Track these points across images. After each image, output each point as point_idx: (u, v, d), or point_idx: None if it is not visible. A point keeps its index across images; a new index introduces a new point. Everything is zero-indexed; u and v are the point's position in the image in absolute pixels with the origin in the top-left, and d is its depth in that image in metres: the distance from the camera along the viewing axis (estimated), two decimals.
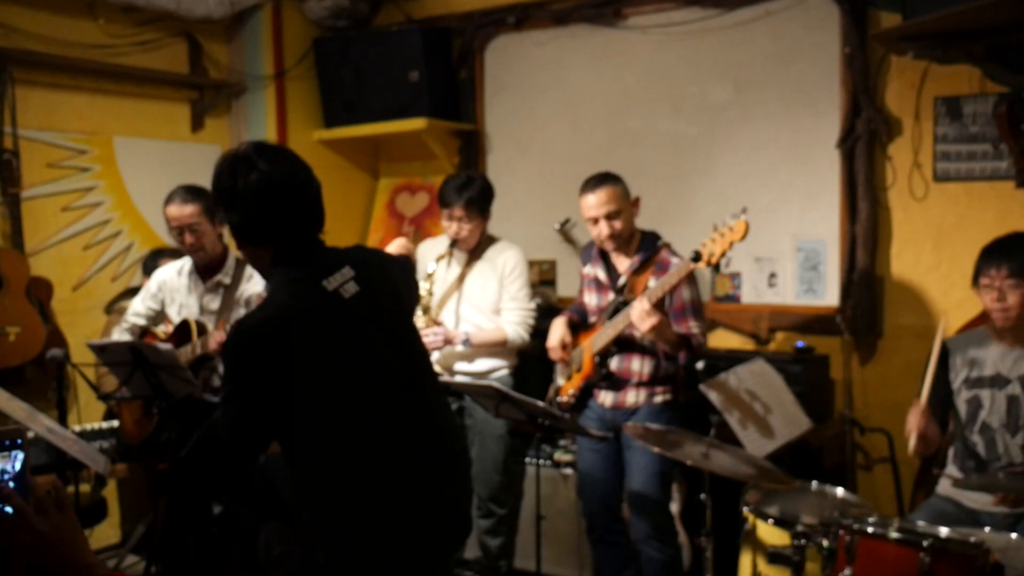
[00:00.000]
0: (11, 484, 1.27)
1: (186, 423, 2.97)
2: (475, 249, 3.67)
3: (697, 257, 2.87)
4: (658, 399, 3.23)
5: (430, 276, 3.66)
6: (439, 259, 3.65)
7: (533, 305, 3.69)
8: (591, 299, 3.40)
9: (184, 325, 3.31)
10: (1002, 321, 2.70)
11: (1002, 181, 3.50)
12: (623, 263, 3.27)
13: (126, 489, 4.27)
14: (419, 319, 3.65)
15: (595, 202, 3.17)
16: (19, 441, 1.30)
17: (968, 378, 2.81)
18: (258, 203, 2.00)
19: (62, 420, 3.07)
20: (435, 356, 3.63)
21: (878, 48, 3.71)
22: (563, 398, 3.34)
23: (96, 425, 3.84)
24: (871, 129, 3.73)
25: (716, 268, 2.88)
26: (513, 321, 3.61)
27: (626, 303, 3.13)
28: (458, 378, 3.54)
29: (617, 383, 3.25)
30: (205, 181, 3.65)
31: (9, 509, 1.26)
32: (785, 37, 3.94)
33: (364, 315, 2.05)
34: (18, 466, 1.29)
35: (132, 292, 4.17)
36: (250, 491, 3.44)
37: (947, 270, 3.66)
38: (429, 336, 3.57)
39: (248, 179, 1.98)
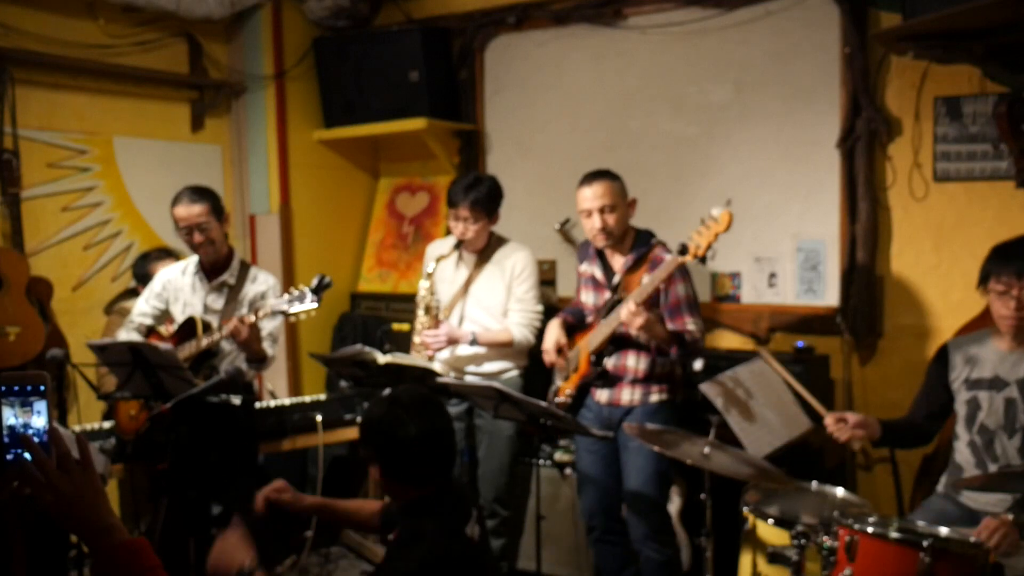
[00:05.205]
0: (35, 439, 1.25)
1: (188, 424, 2.98)
2: (484, 250, 3.65)
3: (684, 250, 2.92)
4: (654, 398, 3.24)
5: (430, 276, 3.66)
6: (439, 259, 3.64)
7: (540, 307, 3.66)
8: (588, 298, 3.40)
9: (189, 322, 3.33)
10: (1011, 328, 2.69)
11: (1002, 181, 3.50)
12: (618, 261, 3.28)
13: (126, 489, 4.26)
14: (420, 319, 3.65)
15: (590, 195, 3.19)
16: (42, 388, 1.25)
17: (968, 379, 2.81)
18: (414, 454, 2.15)
19: (62, 420, 3.07)
20: (443, 355, 3.63)
21: (878, 48, 3.71)
22: (560, 398, 3.34)
23: (96, 425, 3.84)
24: (871, 129, 3.73)
25: (703, 260, 2.90)
26: (519, 322, 3.59)
27: (620, 301, 3.14)
28: (464, 378, 3.54)
29: (612, 380, 3.26)
30: (205, 181, 3.69)
31: (28, 456, 1.24)
32: (785, 37, 3.94)
33: (487, 556, 2.32)
34: (42, 421, 1.26)
35: (132, 292, 4.18)
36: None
37: (947, 270, 3.66)
38: (430, 337, 3.56)
39: (407, 431, 2.12)
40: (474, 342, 3.57)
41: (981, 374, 2.78)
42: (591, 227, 3.21)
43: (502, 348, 3.61)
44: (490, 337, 3.59)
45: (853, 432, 2.74)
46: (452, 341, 3.56)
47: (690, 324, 3.15)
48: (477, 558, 2.17)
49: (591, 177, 3.23)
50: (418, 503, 2.17)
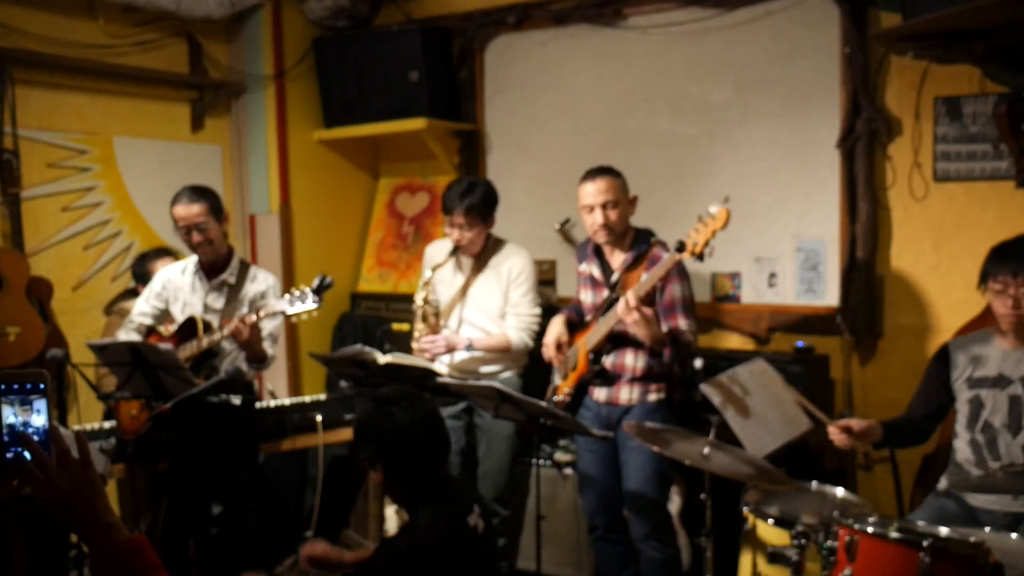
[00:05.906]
0: (35, 438, 1.26)
1: (188, 424, 2.97)
2: (481, 254, 3.64)
3: (681, 247, 2.90)
4: (652, 397, 3.24)
5: (426, 284, 3.65)
6: (435, 268, 3.63)
7: (538, 310, 3.65)
8: (586, 296, 3.40)
9: (190, 322, 3.33)
10: (1011, 326, 2.71)
11: (1002, 181, 3.50)
12: (617, 259, 3.28)
13: (126, 489, 4.27)
14: (418, 326, 3.65)
15: (593, 190, 3.19)
16: (41, 387, 1.25)
17: (971, 377, 2.81)
18: (412, 441, 2.27)
19: (62, 420, 3.07)
20: (445, 360, 3.63)
21: (878, 48, 3.71)
22: (559, 397, 3.34)
23: (96, 425, 3.84)
24: (871, 129, 3.73)
25: (700, 258, 2.89)
26: (516, 326, 3.59)
27: (619, 299, 3.13)
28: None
29: (611, 379, 3.26)
30: (205, 181, 3.69)
31: (28, 455, 1.25)
32: (785, 37, 3.94)
33: (490, 550, 2.38)
34: (42, 420, 1.26)
35: (132, 292, 4.18)
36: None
37: (947, 270, 3.66)
38: (428, 343, 3.56)
39: (400, 421, 2.26)
40: (470, 348, 3.57)
41: (985, 373, 2.78)
42: (593, 222, 3.20)
43: (499, 352, 3.61)
44: (487, 343, 3.59)
45: (855, 443, 2.75)
46: (450, 348, 3.57)
47: (683, 325, 3.14)
48: (477, 548, 2.22)
49: (594, 173, 3.23)
50: (416, 494, 2.24)
